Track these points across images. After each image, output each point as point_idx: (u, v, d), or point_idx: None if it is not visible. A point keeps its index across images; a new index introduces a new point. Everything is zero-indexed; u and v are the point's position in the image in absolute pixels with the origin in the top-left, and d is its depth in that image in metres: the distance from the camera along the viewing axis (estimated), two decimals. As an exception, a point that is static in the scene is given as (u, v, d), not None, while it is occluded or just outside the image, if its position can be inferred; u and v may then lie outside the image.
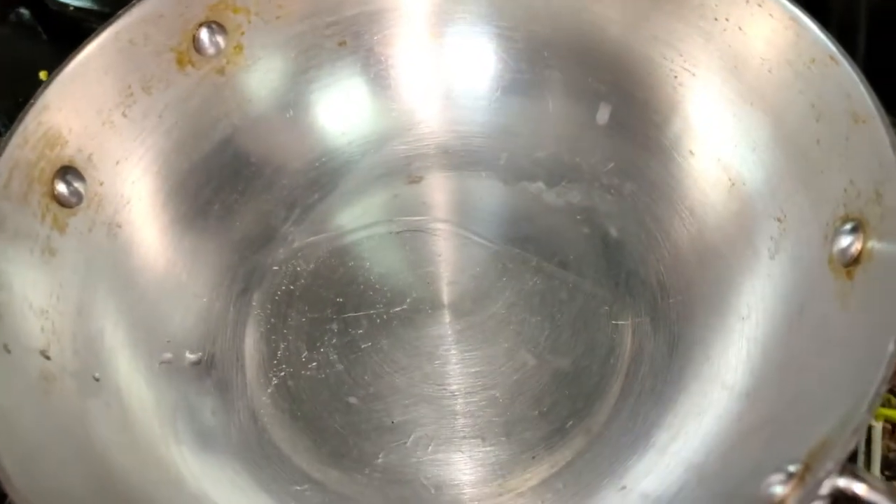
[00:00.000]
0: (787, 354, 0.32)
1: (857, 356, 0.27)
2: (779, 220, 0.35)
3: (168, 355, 0.37)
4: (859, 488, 0.23)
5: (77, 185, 0.36)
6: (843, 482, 0.23)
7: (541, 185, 0.43)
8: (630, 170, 0.42)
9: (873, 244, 0.29)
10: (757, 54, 0.36)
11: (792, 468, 0.25)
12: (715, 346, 0.36)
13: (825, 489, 0.23)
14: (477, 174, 0.44)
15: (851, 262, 0.30)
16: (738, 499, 0.28)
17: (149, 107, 0.39)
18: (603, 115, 0.43)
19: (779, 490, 0.25)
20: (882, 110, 0.30)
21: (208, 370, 0.38)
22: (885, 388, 0.24)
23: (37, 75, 0.52)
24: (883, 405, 0.38)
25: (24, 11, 0.54)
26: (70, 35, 0.54)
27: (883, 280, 0.27)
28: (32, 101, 0.34)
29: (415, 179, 0.44)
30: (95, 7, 0.55)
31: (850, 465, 0.23)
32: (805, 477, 0.24)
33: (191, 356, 0.38)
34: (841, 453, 0.23)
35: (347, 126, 0.44)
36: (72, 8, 0.55)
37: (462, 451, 0.36)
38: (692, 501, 0.30)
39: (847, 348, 0.28)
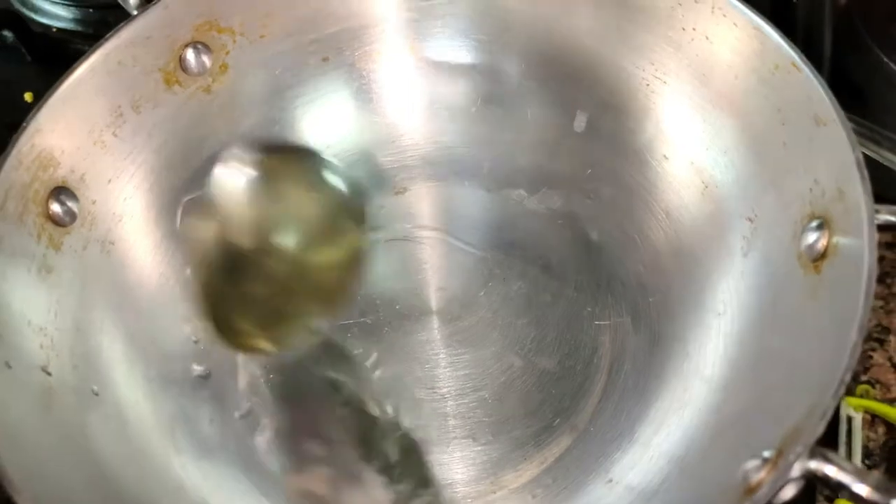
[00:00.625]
0: (761, 347, 0.33)
1: (826, 345, 0.28)
2: (750, 219, 0.37)
3: (164, 368, 0.38)
4: (828, 469, 0.24)
5: (70, 204, 0.37)
6: (813, 464, 0.24)
7: (522, 192, 0.44)
8: (608, 175, 0.43)
9: (838, 239, 0.30)
10: (724, 62, 0.37)
11: (767, 454, 0.27)
12: (693, 343, 0.37)
13: (796, 471, 0.24)
14: (460, 183, 0.45)
15: (819, 258, 0.31)
16: (717, 486, 0.29)
17: (138, 126, 0.40)
18: (580, 122, 0.44)
19: (755, 475, 0.26)
20: (842, 113, 0.31)
21: (204, 381, 0.39)
22: (849, 375, 0.25)
23: (22, 97, 0.52)
24: (861, 396, 0.40)
25: (8, 34, 0.54)
26: (54, 56, 0.56)
27: (847, 273, 0.29)
28: (25, 123, 0.35)
29: (400, 190, 0.46)
30: (79, 28, 0.56)
31: (819, 449, 0.24)
32: (777, 461, 0.26)
33: (187, 368, 0.39)
34: (809, 437, 0.24)
35: (332, 140, 0.46)
36: (55, 30, 0.56)
37: (454, 452, 0.37)
38: (675, 491, 0.32)
39: (817, 339, 0.30)
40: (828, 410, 0.24)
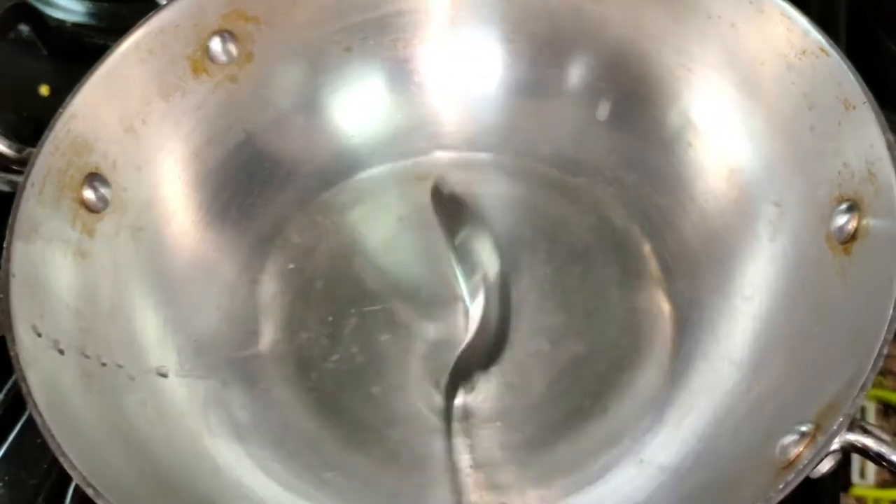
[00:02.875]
0: (791, 329, 0.34)
1: (859, 323, 0.29)
2: (777, 204, 0.37)
3: (196, 353, 0.38)
4: (868, 441, 0.25)
5: (103, 190, 0.37)
6: (852, 436, 0.25)
7: (547, 179, 0.45)
8: (631, 162, 0.44)
9: (868, 220, 0.31)
10: (750, 48, 0.38)
11: (804, 428, 0.27)
12: (722, 327, 0.37)
13: (836, 444, 0.24)
14: (484, 170, 0.46)
15: (848, 239, 0.32)
16: (753, 461, 0.30)
17: (167, 114, 0.40)
18: (603, 111, 0.44)
19: (793, 448, 0.27)
20: (871, 95, 0.32)
21: (233, 366, 0.39)
22: (886, 348, 0.26)
23: (38, 90, 0.53)
24: (874, 386, 0.40)
25: (24, 28, 0.54)
26: (69, 50, 0.56)
27: (880, 253, 0.29)
28: (61, 109, 0.35)
29: (423, 177, 0.46)
30: (93, 22, 0.57)
31: (858, 420, 0.25)
32: (816, 435, 0.26)
33: (218, 354, 0.39)
34: (851, 409, 0.24)
35: (356, 128, 0.46)
36: (70, 24, 0.56)
37: (484, 435, 0.37)
38: (708, 469, 0.32)
39: (848, 317, 0.30)
40: (867, 382, 0.25)
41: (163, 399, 0.36)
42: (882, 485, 0.38)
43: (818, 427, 0.26)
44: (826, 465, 0.25)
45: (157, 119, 0.40)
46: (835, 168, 0.33)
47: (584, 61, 0.44)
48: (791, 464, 0.27)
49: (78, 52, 0.55)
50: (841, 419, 0.24)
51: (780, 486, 0.24)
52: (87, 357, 0.33)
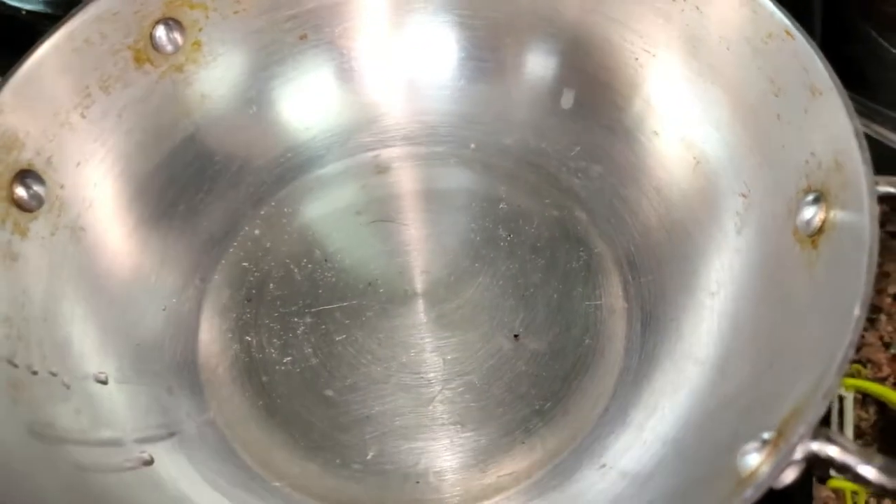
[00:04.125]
0: (757, 326, 0.32)
1: (826, 322, 0.27)
2: (744, 195, 0.35)
3: (138, 359, 0.37)
4: (832, 451, 0.23)
5: (37, 188, 0.35)
6: (815, 446, 0.23)
7: (509, 171, 0.43)
8: (596, 152, 0.42)
9: (835, 213, 0.29)
10: (715, 33, 0.36)
11: (766, 435, 0.26)
12: (687, 323, 0.36)
13: (799, 453, 0.23)
14: (444, 162, 0.44)
15: (816, 232, 0.30)
16: (715, 467, 0.28)
17: (108, 107, 0.38)
18: (567, 99, 0.43)
19: (754, 458, 0.25)
20: (838, 81, 0.30)
21: (179, 372, 0.38)
22: (852, 352, 0.24)
23: (-10, 82, 0.50)
24: (853, 376, 0.39)
25: (-25, 17, 0.52)
26: (23, 40, 0.53)
27: (846, 247, 0.28)
28: (-16, 105, 0.33)
29: (382, 170, 0.44)
30: (49, 10, 0.54)
31: (823, 429, 0.23)
32: (779, 443, 0.25)
33: (162, 359, 0.37)
34: (813, 417, 0.23)
35: (311, 120, 0.44)
36: (24, 12, 0.54)
37: (442, 439, 0.36)
38: (670, 475, 0.31)
39: (816, 316, 0.29)
40: (831, 389, 0.23)
41: (100, 407, 0.34)
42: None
43: (780, 434, 0.25)
44: (790, 476, 0.24)
45: (97, 113, 0.38)
46: (801, 157, 0.32)
47: (545, 47, 0.42)
48: (752, 473, 0.25)
49: (33, 41, 0.53)
50: (802, 428, 0.23)
51: (745, 499, 0.23)
52: (16, 366, 0.31)
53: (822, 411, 0.23)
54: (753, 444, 0.26)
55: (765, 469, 0.24)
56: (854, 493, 0.36)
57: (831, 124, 0.30)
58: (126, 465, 0.32)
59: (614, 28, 0.40)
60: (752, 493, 0.23)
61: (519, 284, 0.40)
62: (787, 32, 0.32)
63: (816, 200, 0.31)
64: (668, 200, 0.39)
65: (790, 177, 0.33)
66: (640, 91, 0.40)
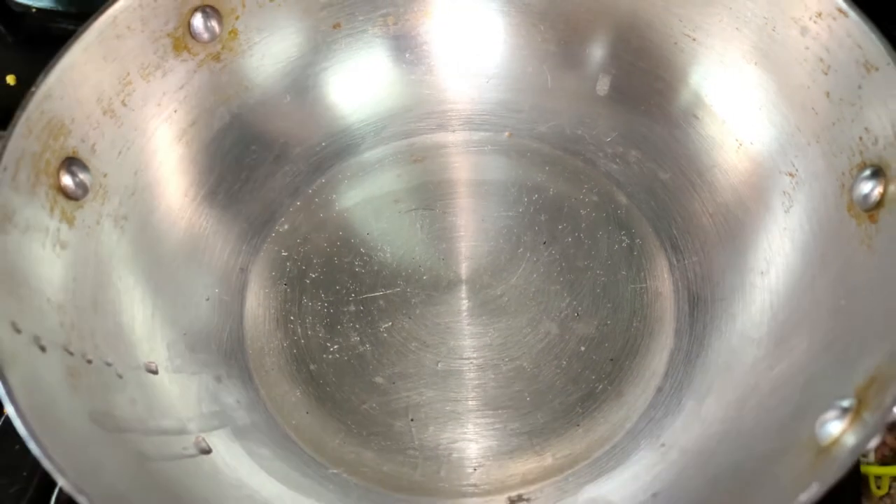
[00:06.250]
0: (813, 302, 0.32)
1: (894, 292, 0.27)
2: (791, 175, 0.36)
3: (188, 349, 0.36)
4: (919, 415, 0.23)
5: (82, 176, 0.35)
6: (901, 411, 0.24)
7: (545, 158, 0.43)
8: (634, 137, 0.42)
9: (896, 186, 0.30)
10: (759, 14, 0.36)
11: (844, 404, 0.26)
12: (737, 303, 0.36)
13: (889, 418, 0.23)
14: (481, 150, 0.44)
15: (874, 206, 0.31)
16: (785, 441, 0.28)
17: (147, 95, 0.38)
18: (603, 85, 0.43)
19: (835, 426, 0.25)
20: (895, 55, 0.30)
21: (227, 361, 0.37)
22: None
23: (4, 80, 0.50)
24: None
25: (-12, 16, 0.52)
26: (36, 37, 0.53)
27: (912, 218, 0.28)
28: (33, 89, 0.32)
29: (418, 159, 0.44)
30: (60, 8, 0.54)
31: (908, 394, 0.23)
32: (860, 411, 0.25)
33: (210, 348, 0.37)
34: (903, 381, 0.23)
35: (347, 109, 0.44)
36: (34, 10, 0.53)
37: (496, 423, 0.36)
38: (735, 451, 0.31)
39: (879, 287, 0.29)
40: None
41: (153, 397, 0.33)
42: (883, 461, 0.37)
43: (861, 402, 0.25)
44: (874, 442, 0.24)
45: (138, 100, 0.37)
46: (855, 134, 0.32)
47: (583, 34, 0.42)
48: (833, 443, 0.25)
49: (45, 40, 0.53)
50: (893, 392, 0.23)
51: (832, 467, 0.23)
52: (72, 354, 0.31)
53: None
54: (832, 413, 0.26)
55: (849, 436, 0.24)
56: (878, 477, 0.36)
57: (889, 99, 0.30)
58: (184, 453, 0.32)
59: (655, 13, 0.40)
60: (842, 459, 0.23)
61: (563, 269, 0.40)
62: (840, 10, 0.32)
63: (874, 175, 0.31)
64: (709, 183, 0.39)
65: (842, 153, 0.33)
66: (680, 75, 0.40)
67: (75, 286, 0.33)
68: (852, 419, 0.25)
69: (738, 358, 0.34)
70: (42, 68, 0.34)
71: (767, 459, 0.29)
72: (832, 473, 0.23)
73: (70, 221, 0.34)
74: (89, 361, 0.31)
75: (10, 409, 0.25)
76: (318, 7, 0.42)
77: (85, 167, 0.35)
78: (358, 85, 0.43)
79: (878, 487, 0.36)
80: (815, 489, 0.23)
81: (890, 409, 0.23)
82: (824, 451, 0.25)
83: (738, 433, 0.32)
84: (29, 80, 0.33)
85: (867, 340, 0.28)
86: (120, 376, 0.33)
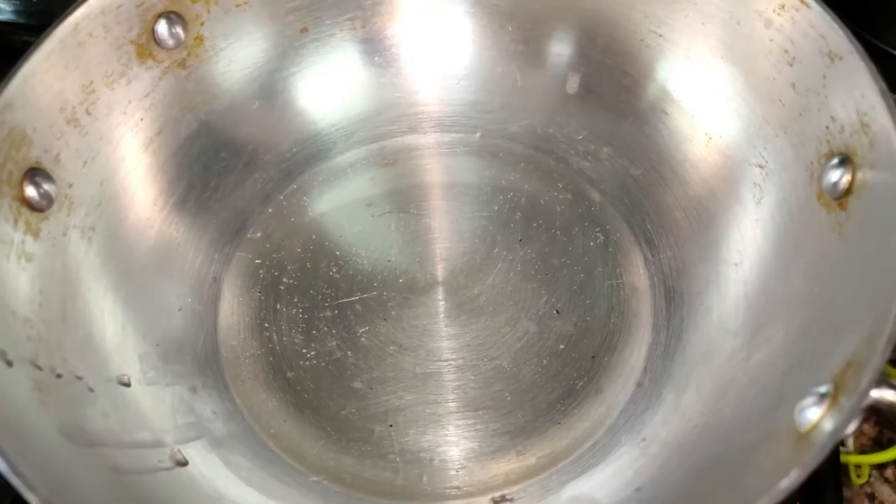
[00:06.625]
0: (787, 292, 0.33)
1: (867, 276, 0.28)
2: (760, 166, 0.36)
3: (159, 360, 0.35)
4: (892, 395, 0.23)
5: (47, 187, 0.34)
6: (876, 393, 0.24)
7: (517, 157, 0.43)
8: (605, 135, 0.42)
9: (864, 173, 0.30)
10: (724, 8, 0.37)
11: (822, 389, 0.26)
12: (712, 296, 0.36)
13: (865, 402, 0.23)
14: (452, 151, 0.44)
15: (843, 195, 0.31)
16: (765, 430, 0.28)
17: (112, 103, 0.37)
18: (572, 84, 0.43)
19: (814, 412, 0.26)
20: (858, 44, 0.31)
21: (202, 371, 0.37)
22: (904, 300, 0.25)
23: (-36, 93, 0.49)
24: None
25: (-55, 27, 0.51)
26: (-2, 50, 0.52)
27: (882, 203, 0.28)
28: (-7, 99, 0.32)
29: (390, 162, 0.44)
30: (22, 20, 0.53)
31: (885, 378, 0.23)
32: (838, 396, 0.25)
33: (183, 359, 0.36)
34: (878, 364, 0.23)
35: (317, 114, 0.44)
36: (-3, 22, 0.52)
37: (477, 424, 0.35)
38: (717, 443, 0.31)
39: (852, 273, 0.29)
40: (893, 335, 0.23)
41: (127, 410, 0.33)
42: (862, 450, 0.37)
43: (838, 387, 0.25)
44: (851, 427, 0.24)
45: (103, 109, 0.37)
46: (822, 123, 0.32)
47: (550, 34, 0.42)
48: (812, 429, 0.25)
49: (6, 52, 0.52)
50: (867, 376, 0.23)
51: (811, 453, 0.23)
52: (40, 368, 0.30)
53: (885, 357, 0.23)
54: (810, 400, 0.26)
55: (828, 422, 0.24)
56: (857, 466, 0.37)
57: (853, 87, 0.31)
58: (160, 466, 0.31)
59: (620, 10, 0.40)
60: (821, 444, 0.23)
61: (539, 268, 0.40)
62: (802, 2, 0.33)
63: (842, 163, 0.31)
64: (681, 177, 0.40)
65: (810, 143, 0.33)
66: (647, 72, 0.41)
67: (42, 299, 0.32)
68: (830, 404, 0.25)
69: (716, 350, 0.34)
70: (2, 81, 0.33)
71: (748, 449, 0.29)
72: (812, 459, 0.23)
73: (35, 233, 0.33)
74: (59, 375, 0.31)
75: (-26, 426, 0.24)
76: (284, 12, 0.42)
77: (49, 178, 0.34)
78: (327, 89, 0.43)
79: (858, 476, 0.36)
80: (796, 475, 0.23)
81: (867, 392, 0.23)
82: (803, 437, 0.25)
83: (718, 424, 0.32)
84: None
85: (843, 326, 0.28)
86: (91, 390, 0.32)
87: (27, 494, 0.23)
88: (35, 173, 0.33)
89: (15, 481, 0.23)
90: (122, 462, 0.30)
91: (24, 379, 0.29)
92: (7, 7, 0.53)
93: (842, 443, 0.37)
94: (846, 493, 0.35)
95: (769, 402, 0.30)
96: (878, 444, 0.37)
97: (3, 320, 0.29)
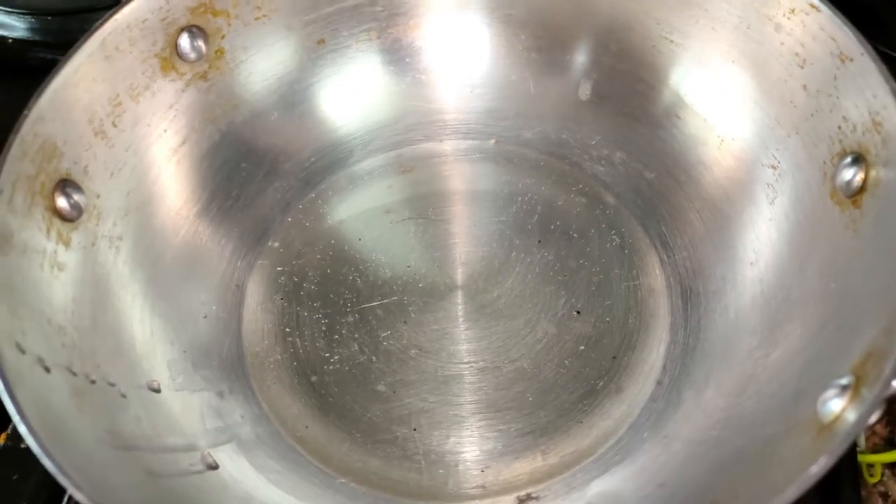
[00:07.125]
0: (803, 289, 0.33)
1: (882, 272, 0.28)
2: (773, 167, 0.37)
3: (187, 365, 0.36)
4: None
5: (77, 197, 0.35)
6: (897, 384, 0.24)
7: (532, 163, 0.44)
8: (618, 139, 0.43)
9: (877, 171, 0.31)
10: (734, 13, 0.38)
11: (843, 381, 0.26)
12: (729, 294, 0.37)
13: (888, 393, 0.24)
14: (468, 158, 0.45)
15: (856, 192, 0.31)
16: (787, 423, 0.29)
17: (137, 115, 0.38)
18: (585, 90, 0.44)
19: (836, 404, 0.26)
20: (868, 45, 0.31)
21: (228, 376, 0.37)
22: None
23: (-19, 113, 0.50)
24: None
25: (-37, 47, 0.52)
26: (13, 67, 0.53)
27: (894, 199, 0.29)
28: (26, 111, 0.32)
29: (407, 169, 0.44)
30: (37, 38, 0.54)
31: (905, 368, 0.24)
32: (859, 387, 0.26)
33: (211, 364, 0.37)
34: (899, 353, 0.24)
35: (335, 123, 0.44)
36: (11, 40, 0.53)
37: (499, 425, 0.36)
38: (738, 438, 0.31)
39: (867, 269, 0.30)
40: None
41: (158, 415, 0.33)
42: (874, 449, 0.38)
43: (859, 379, 0.26)
44: (873, 417, 0.24)
45: (128, 121, 0.38)
46: (834, 123, 0.33)
47: (563, 41, 0.43)
48: (834, 420, 0.26)
49: (22, 69, 0.53)
50: (890, 366, 0.24)
51: (836, 442, 0.23)
52: (75, 374, 0.31)
53: (906, 349, 0.24)
54: (832, 392, 0.26)
55: (851, 412, 0.25)
56: (870, 465, 0.37)
57: (864, 87, 0.31)
58: (192, 469, 0.32)
59: (632, 17, 0.41)
60: (845, 434, 0.24)
61: (556, 270, 0.40)
62: (812, 5, 0.34)
63: (855, 162, 0.32)
64: (694, 180, 0.40)
65: (822, 143, 0.34)
66: (660, 77, 0.41)
67: (74, 307, 0.33)
68: (852, 396, 0.26)
69: (734, 347, 0.35)
70: (19, 98, 0.33)
71: (770, 442, 0.29)
72: (838, 447, 0.24)
73: (66, 243, 0.34)
74: (93, 381, 0.31)
75: (21, 428, 0.25)
76: (301, 24, 0.43)
77: (79, 188, 0.35)
78: (345, 99, 0.44)
79: (871, 475, 0.37)
80: (825, 461, 0.23)
81: (888, 382, 0.24)
82: (826, 428, 0.26)
83: (740, 419, 0.32)
84: (6, 109, 0.33)
85: (860, 320, 0.28)
86: (124, 395, 0.32)
87: (75, 493, 0.24)
88: (65, 184, 0.34)
89: (63, 480, 0.24)
90: (156, 465, 0.30)
91: (62, 384, 0.30)
92: (22, 25, 0.54)
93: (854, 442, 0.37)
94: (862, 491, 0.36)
95: (790, 396, 0.30)
96: (891, 444, 0.38)
97: (39, 328, 0.30)
